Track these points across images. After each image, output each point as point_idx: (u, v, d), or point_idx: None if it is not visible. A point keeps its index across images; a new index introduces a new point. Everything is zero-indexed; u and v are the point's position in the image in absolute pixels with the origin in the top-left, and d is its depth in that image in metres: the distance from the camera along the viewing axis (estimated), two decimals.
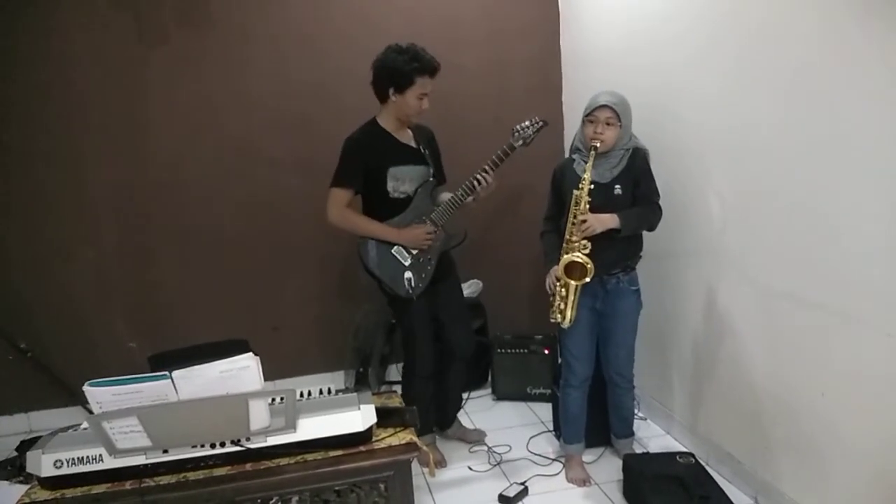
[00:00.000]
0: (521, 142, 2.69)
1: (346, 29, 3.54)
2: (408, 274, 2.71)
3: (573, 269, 2.47)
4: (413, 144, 2.77)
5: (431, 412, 2.98)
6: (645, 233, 2.64)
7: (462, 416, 3.16)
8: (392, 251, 2.73)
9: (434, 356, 2.85)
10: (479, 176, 2.67)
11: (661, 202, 2.60)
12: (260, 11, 3.46)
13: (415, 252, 2.74)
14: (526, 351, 3.55)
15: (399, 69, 2.57)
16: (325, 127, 3.42)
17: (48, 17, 3.24)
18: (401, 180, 2.71)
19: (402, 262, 2.73)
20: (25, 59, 3.26)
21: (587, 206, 2.45)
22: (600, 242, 2.47)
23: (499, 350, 3.59)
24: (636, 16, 3.04)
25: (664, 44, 2.84)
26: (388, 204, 2.72)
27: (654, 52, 2.92)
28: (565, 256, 2.47)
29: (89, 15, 3.28)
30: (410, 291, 2.70)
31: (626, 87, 2.63)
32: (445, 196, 2.79)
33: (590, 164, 2.47)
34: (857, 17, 1.91)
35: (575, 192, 2.48)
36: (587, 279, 2.45)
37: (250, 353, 1.71)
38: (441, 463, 2.92)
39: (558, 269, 2.50)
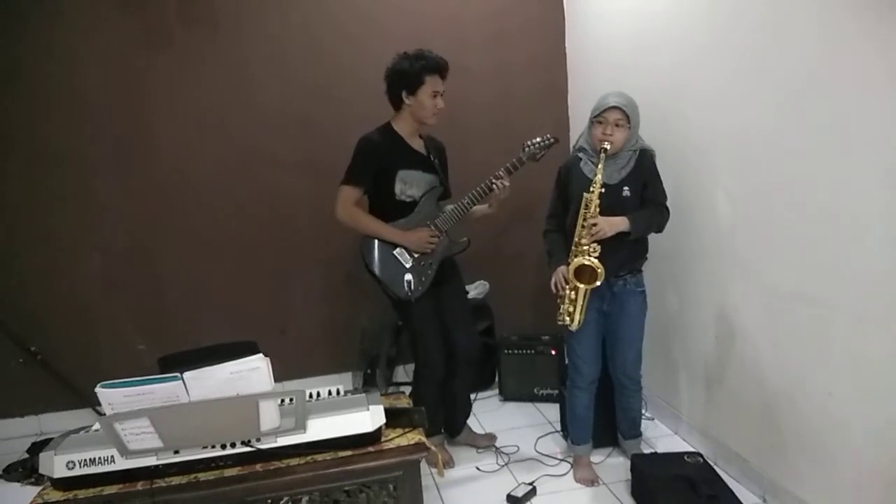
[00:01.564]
0: (529, 158, 2.72)
1: (350, 31, 3.55)
2: (408, 276, 2.71)
3: (583, 273, 2.46)
4: (424, 153, 2.79)
5: (440, 412, 2.98)
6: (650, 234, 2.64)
7: (470, 418, 3.16)
8: (394, 253, 2.74)
9: (444, 358, 2.85)
10: (496, 182, 2.69)
11: (667, 203, 2.60)
12: (264, 14, 3.47)
13: (416, 255, 2.75)
14: (533, 352, 3.56)
15: (407, 70, 2.64)
16: (331, 128, 3.45)
17: (54, 20, 3.27)
18: (409, 184, 2.72)
19: (404, 264, 2.74)
20: (31, 63, 3.29)
21: (597, 210, 2.45)
22: (609, 245, 2.47)
23: (506, 351, 3.60)
24: (641, 16, 3.04)
25: (669, 43, 2.84)
26: (395, 206, 2.73)
27: (659, 52, 2.92)
28: (575, 259, 2.46)
29: (95, 18, 3.30)
30: (410, 294, 2.70)
31: (631, 87, 2.63)
32: (450, 206, 2.80)
33: (600, 166, 2.45)
34: (857, 17, 1.91)
35: (585, 194, 2.47)
36: (597, 283, 2.44)
37: (260, 355, 1.72)
38: (449, 463, 2.93)
39: (569, 273, 2.49)
